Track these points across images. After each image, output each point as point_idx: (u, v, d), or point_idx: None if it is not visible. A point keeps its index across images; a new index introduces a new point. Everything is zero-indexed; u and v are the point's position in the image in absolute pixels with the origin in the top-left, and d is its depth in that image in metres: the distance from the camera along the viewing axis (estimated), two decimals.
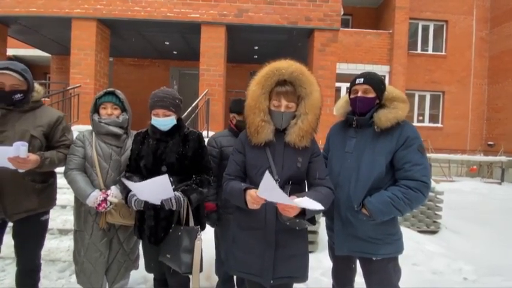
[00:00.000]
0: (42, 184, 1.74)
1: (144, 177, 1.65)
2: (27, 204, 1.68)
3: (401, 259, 1.62)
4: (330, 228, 1.68)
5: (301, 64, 1.44)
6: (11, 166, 1.51)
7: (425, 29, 10.37)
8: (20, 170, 1.56)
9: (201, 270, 1.56)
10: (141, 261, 1.91)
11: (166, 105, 1.62)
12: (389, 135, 1.48)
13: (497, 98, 10.00)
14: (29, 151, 1.59)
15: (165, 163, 1.63)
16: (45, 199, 1.77)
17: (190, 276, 1.62)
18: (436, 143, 9.87)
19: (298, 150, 1.40)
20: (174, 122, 1.67)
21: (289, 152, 1.41)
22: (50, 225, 2.99)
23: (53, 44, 7.46)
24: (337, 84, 6.25)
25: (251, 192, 1.32)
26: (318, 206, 1.23)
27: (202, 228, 1.80)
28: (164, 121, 1.63)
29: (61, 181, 3.52)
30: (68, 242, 2.85)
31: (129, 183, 1.50)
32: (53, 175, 1.85)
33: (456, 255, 3.32)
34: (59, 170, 1.83)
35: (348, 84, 1.66)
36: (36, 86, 1.75)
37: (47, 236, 2.92)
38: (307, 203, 1.24)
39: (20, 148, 1.47)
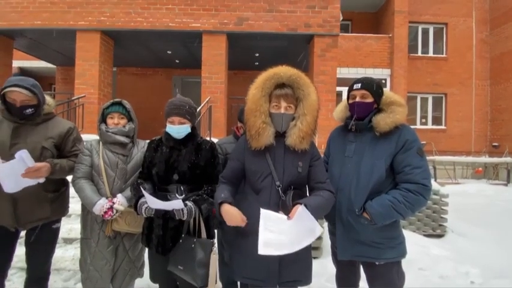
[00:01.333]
0: (54, 193, 1.79)
1: (155, 184, 1.68)
2: (40, 213, 1.72)
3: (408, 263, 1.61)
4: (332, 233, 1.68)
5: (299, 70, 1.48)
6: (29, 182, 1.57)
7: (425, 32, 10.42)
8: (41, 181, 1.62)
9: (216, 282, 1.56)
10: (146, 270, 1.92)
11: (182, 113, 1.64)
12: (388, 139, 1.50)
13: (500, 98, 9.95)
14: (40, 162, 1.64)
15: (176, 171, 1.63)
16: (57, 207, 1.81)
17: None
18: (440, 145, 9.81)
19: (298, 154, 1.42)
20: (189, 130, 1.69)
21: (290, 157, 1.43)
22: None
23: (58, 56, 7.62)
24: (339, 89, 6.28)
25: (226, 208, 1.37)
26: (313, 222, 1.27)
27: (212, 239, 1.79)
28: (179, 129, 1.65)
29: None
30: (73, 251, 2.87)
31: (146, 194, 1.52)
32: (65, 184, 1.90)
33: (463, 258, 3.28)
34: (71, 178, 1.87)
35: None
36: (48, 98, 1.81)
37: None
38: (304, 217, 1.26)
39: (23, 156, 1.50)
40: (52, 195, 1.78)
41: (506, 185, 8.47)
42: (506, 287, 2.70)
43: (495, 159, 9.15)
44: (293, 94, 1.44)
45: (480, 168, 9.46)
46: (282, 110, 1.42)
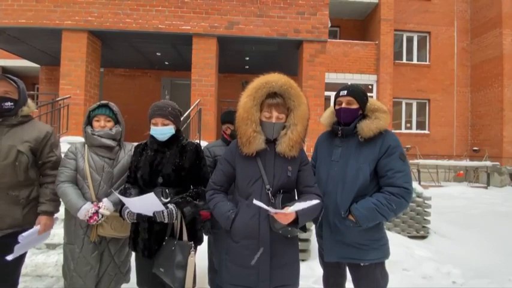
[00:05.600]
0: (27, 199, 1.70)
1: (140, 188, 1.66)
2: (11, 220, 1.63)
3: (392, 264, 1.67)
4: (319, 236, 1.72)
5: (289, 77, 1.51)
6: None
7: (410, 40, 10.79)
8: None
9: (194, 286, 1.56)
10: (133, 275, 1.89)
11: (164, 114, 1.65)
12: (372, 144, 1.55)
13: (480, 105, 10.40)
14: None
15: (161, 174, 1.63)
16: (31, 214, 1.71)
17: None
18: (424, 149, 10.13)
19: (288, 159, 1.45)
20: (173, 131, 1.69)
21: (280, 162, 1.45)
22: None
23: (42, 55, 7.41)
24: (327, 93, 6.40)
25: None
26: (314, 202, 1.30)
27: (199, 242, 1.79)
28: (162, 130, 1.65)
29: None
30: (56, 257, 2.79)
31: (122, 198, 1.51)
32: (38, 191, 1.79)
33: (445, 259, 3.39)
34: None
35: None
36: (29, 100, 1.75)
37: (34, 251, 2.90)
38: (302, 205, 1.30)
39: (25, 236, 1.59)
40: (24, 201, 1.68)
41: (486, 187, 8.81)
42: (486, 287, 2.80)
43: (475, 163, 9.51)
44: (284, 103, 1.46)
45: (461, 172, 9.81)
46: (273, 120, 1.45)
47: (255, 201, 1.30)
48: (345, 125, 1.61)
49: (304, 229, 1.49)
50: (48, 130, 1.76)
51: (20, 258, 1.74)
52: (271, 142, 1.47)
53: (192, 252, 1.52)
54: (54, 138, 1.79)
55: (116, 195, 1.53)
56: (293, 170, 1.47)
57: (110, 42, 6.38)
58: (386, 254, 1.59)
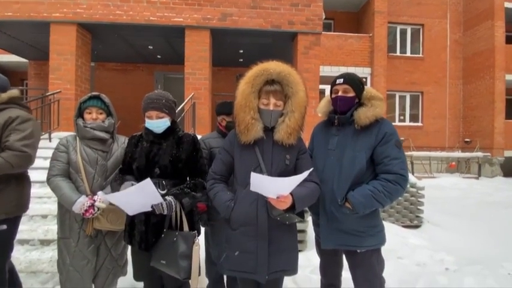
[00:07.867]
0: None
1: (136, 179, 1.63)
2: None
3: (387, 253, 1.68)
4: (316, 224, 1.73)
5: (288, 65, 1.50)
6: None
7: (403, 33, 10.82)
8: None
9: (199, 274, 1.56)
10: (130, 267, 1.87)
11: (159, 107, 1.62)
12: (368, 132, 1.55)
13: (472, 97, 10.54)
14: None
15: (158, 165, 1.62)
16: None
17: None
18: (417, 141, 10.25)
19: (286, 147, 1.46)
20: (168, 124, 1.67)
21: (278, 150, 1.46)
22: (31, 236, 2.94)
23: (31, 49, 7.20)
24: (321, 87, 6.39)
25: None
26: (306, 173, 1.32)
27: (197, 233, 1.79)
28: (157, 123, 1.63)
29: (41, 190, 3.41)
30: (51, 253, 2.76)
31: (112, 196, 1.46)
32: (5, 181, 1.67)
33: (438, 247, 3.47)
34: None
35: None
36: (13, 90, 1.67)
37: (28, 247, 2.86)
38: (296, 178, 1.31)
39: None
40: None
41: (477, 178, 9.00)
42: (478, 273, 2.87)
43: (467, 154, 9.69)
44: (282, 91, 1.46)
45: (454, 163, 9.99)
46: (271, 107, 1.45)
47: (253, 174, 1.27)
48: (342, 113, 1.61)
49: (302, 216, 1.50)
50: (11, 115, 1.64)
51: (6, 256, 1.69)
52: (269, 130, 1.47)
53: (196, 241, 1.53)
54: (18, 123, 1.64)
55: (109, 196, 1.47)
56: (291, 159, 1.47)
57: (100, 35, 6.23)
58: (382, 240, 1.61)
